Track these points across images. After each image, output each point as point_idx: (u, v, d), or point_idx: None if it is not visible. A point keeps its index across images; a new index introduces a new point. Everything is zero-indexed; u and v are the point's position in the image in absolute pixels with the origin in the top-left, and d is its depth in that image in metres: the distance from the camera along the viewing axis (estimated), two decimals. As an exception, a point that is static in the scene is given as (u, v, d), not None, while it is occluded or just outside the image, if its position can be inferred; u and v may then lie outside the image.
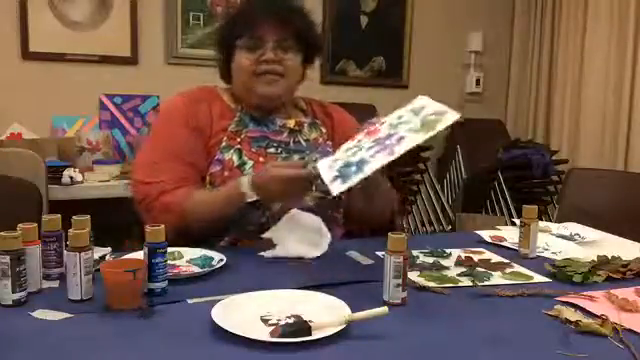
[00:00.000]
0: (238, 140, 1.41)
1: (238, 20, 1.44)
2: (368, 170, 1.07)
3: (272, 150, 1.42)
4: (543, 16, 4.08)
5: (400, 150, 1.07)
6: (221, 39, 1.48)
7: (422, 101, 1.20)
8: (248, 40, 1.41)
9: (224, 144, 1.40)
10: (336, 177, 1.10)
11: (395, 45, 3.85)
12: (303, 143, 1.48)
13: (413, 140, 1.09)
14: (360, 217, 1.48)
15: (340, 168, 1.12)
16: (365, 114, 1.54)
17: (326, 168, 1.15)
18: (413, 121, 1.14)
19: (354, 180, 1.07)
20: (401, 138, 1.11)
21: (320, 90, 3.35)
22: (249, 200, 1.25)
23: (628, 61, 3.52)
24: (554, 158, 3.60)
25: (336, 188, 1.08)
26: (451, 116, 1.11)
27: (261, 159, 1.39)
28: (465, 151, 3.77)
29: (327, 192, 1.26)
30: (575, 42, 3.85)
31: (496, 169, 3.55)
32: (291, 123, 1.47)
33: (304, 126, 1.50)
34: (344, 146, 1.22)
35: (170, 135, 1.40)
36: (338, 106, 1.65)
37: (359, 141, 1.19)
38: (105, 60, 3.08)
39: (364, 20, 3.75)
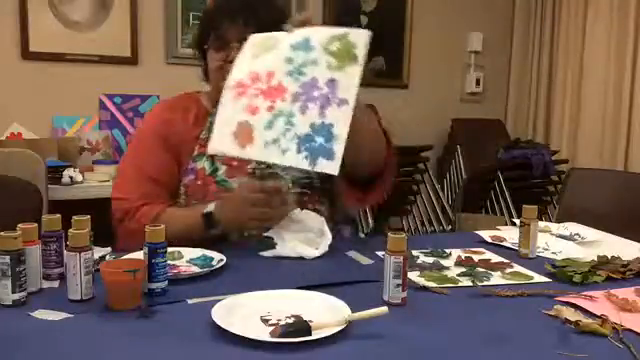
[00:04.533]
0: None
1: (206, 20, 1.42)
2: (343, 132, 1.03)
3: None
4: (543, 16, 4.08)
5: (351, 95, 1.03)
6: (195, 39, 1.46)
7: (286, 36, 1.10)
8: (214, 40, 1.38)
9: (196, 152, 1.40)
10: (310, 157, 1.03)
11: (395, 45, 3.85)
12: None
13: (351, 77, 1.04)
14: (354, 169, 1.32)
15: (303, 145, 1.04)
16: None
17: (278, 153, 1.05)
18: (319, 58, 1.06)
19: (339, 149, 1.02)
20: (331, 81, 1.04)
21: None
22: (213, 233, 1.28)
23: (628, 61, 3.53)
24: (554, 158, 3.61)
25: (330, 167, 1.02)
26: (362, 34, 1.04)
27: (234, 162, 1.37)
28: (465, 151, 3.77)
29: (304, 186, 1.24)
30: (575, 42, 3.85)
31: (496, 169, 3.55)
32: None
33: None
34: (234, 125, 1.09)
35: (140, 148, 1.43)
36: None
37: (271, 108, 1.07)
38: (105, 60, 3.08)
39: (364, 20, 3.75)
